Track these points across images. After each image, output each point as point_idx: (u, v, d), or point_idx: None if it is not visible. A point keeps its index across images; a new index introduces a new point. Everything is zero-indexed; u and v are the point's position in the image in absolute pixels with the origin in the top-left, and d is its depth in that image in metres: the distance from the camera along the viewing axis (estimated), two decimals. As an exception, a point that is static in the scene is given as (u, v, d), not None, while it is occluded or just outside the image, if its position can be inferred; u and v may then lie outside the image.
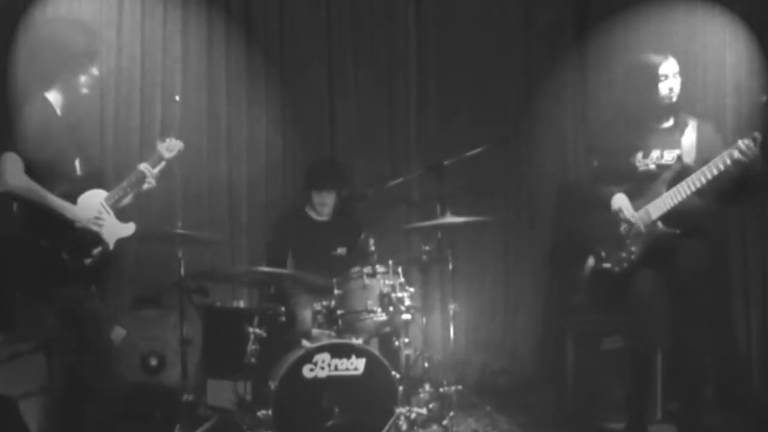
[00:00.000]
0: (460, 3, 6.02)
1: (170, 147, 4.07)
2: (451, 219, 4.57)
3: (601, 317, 4.76)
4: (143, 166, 3.92)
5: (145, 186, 3.93)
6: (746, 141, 3.75)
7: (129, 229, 3.78)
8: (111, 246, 3.66)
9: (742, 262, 5.25)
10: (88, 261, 3.54)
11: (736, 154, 3.76)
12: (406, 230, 4.83)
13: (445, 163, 4.91)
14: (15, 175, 3.39)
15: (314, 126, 5.92)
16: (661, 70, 4.02)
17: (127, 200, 3.89)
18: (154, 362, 5.07)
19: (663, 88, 4.03)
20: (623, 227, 4.09)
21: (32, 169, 3.45)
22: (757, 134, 3.76)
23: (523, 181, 6.02)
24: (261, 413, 4.19)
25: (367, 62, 5.98)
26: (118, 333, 5.03)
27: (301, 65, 5.87)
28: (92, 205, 3.61)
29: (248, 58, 5.73)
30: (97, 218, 3.58)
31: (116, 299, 5.00)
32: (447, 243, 4.70)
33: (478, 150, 4.93)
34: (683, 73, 4.13)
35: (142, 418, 4.92)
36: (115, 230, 3.70)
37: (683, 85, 4.12)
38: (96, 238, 3.59)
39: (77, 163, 3.63)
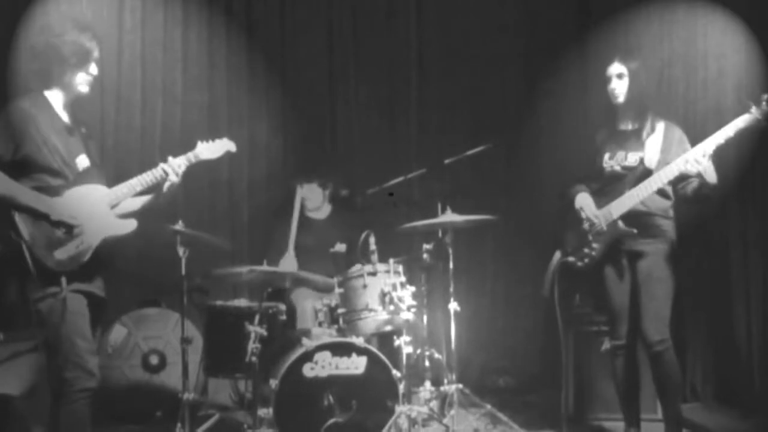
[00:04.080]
0: (461, 2, 6.03)
1: (212, 149, 3.97)
2: (451, 217, 4.57)
3: (602, 318, 4.76)
4: (172, 161, 3.75)
5: (167, 185, 3.74)
6: (701, 152, 3.85)
7: (127, 226, 3.64)
8: (96, 242, 3.49)
9: (742, 261, 5.26)
10: (58, 254, 3.39)
11: (691, 161, 3.86)
12: (407, 229, 4.82)
13: (446, 162, 4.92)
14: None
15: (315, 126, 5.93)
16: (607, 72, 4.17)
17: (141, 202, 3.74)
18: (155, 361, 5.09)
19: (609, 90, 4.17)
20: (585, 224, 4.20)
21: (15, 166, 3.39)
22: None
23: (524, 181, 6.01)
24: (262, 412, 4.20)
25: (368, 62, 5.99)
26: (119, 332, 5.04)
27: (302, 65, 5.87)
28: (80, 201, 3.49)
29: (249, 59, 5.75)
30: (71, 215, 3.40)
31: (117, 298, 4.98)
32: (448, 242, 4.70)
33: (479, 149, 4.93)
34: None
35: (143, 417, 4.94)
36: (106, 227, 3.56)
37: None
38: (73, 232, 3.41)
39: (78, 160, 3.58)
